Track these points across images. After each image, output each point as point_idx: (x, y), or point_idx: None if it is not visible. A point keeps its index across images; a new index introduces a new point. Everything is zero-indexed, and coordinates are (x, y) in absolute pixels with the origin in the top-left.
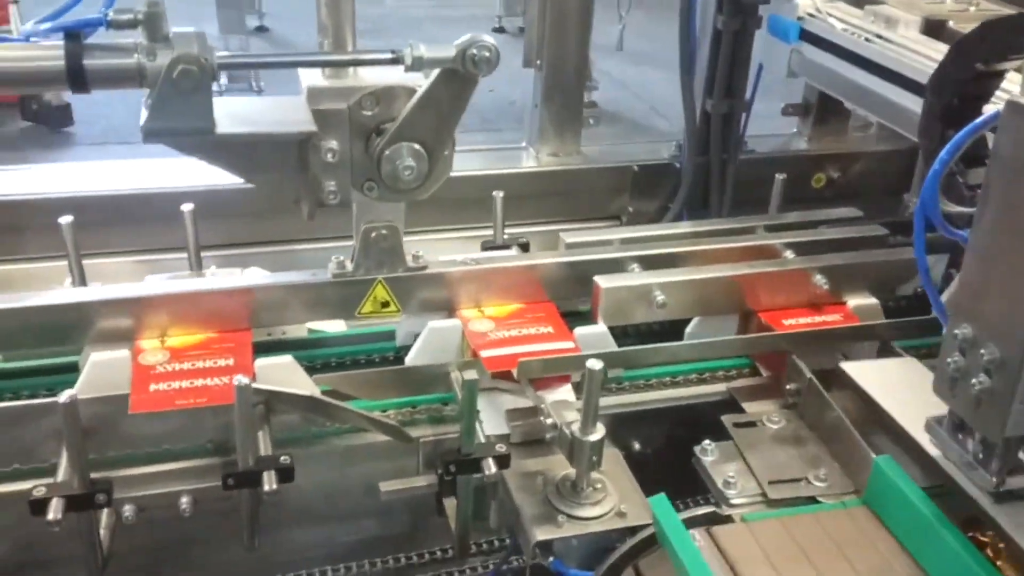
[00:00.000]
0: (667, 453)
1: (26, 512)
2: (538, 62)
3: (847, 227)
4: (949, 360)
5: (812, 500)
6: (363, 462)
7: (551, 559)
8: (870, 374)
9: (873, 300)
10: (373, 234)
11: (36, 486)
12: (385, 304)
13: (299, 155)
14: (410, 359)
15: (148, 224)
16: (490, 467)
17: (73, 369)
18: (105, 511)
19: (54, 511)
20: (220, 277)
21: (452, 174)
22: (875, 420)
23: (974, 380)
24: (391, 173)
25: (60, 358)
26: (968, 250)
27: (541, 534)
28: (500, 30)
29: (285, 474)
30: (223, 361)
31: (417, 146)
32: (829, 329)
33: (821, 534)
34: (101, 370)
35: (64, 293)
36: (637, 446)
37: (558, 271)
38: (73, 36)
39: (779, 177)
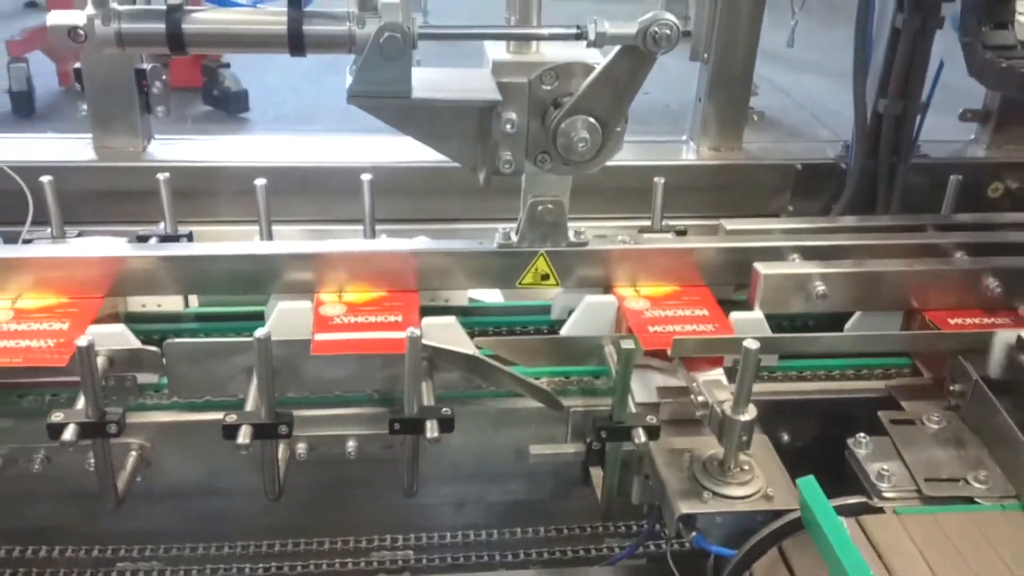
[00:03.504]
0: (817, 446)
1: (213, 440)
2: (705, 55)
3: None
4: None
5: (969, 501)
6: (514, 426)
7: (693, 534)
8: None
9: None
10: (540, 208)
11: (228, 414)
12: (545, 276)
13: (480, 124)
14: (565, 330)
15: (326, 195)
16: (640, 436)
17: (258, 317)
18: (281, 447)
19: (243, 436)
20: (392, 240)
21: (612, 163)
22: None
23: None
24: (566, 145)
25: (248, 307)
26: None
27: (686, 507)
28: (688, 33)
29: (446, 424)
30: (393, 318)
31: (592, 120)
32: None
33: (976, 533)
34: (286, 317)
35: (257, 245)
36: (786, 437)
37: (717, 256)
38: (295, 4)
39: (954, 178)
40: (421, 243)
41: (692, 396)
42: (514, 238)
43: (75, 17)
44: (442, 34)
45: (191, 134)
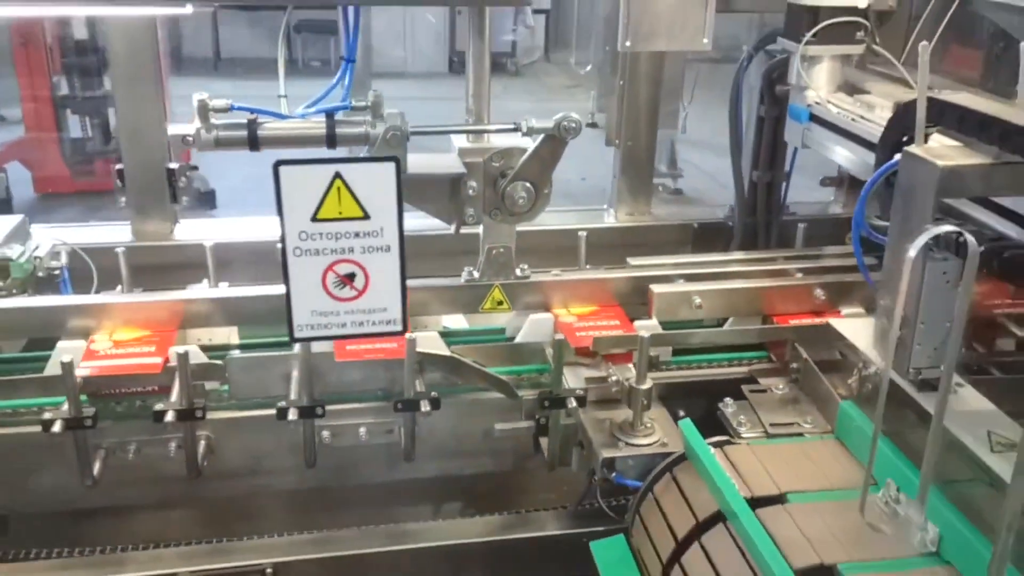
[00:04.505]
0: (703, 417)
1: (260, 430)
2: (616, 141)
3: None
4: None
5: (799, 436)
6: (481, 414)
7: (613, 475)
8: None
9: (860, 309)
10: (494, 251)
11: (278, 402)
12: (500, 303)
13: (452, 190)
14: (518, 340)
15: None
16: (572, 403)
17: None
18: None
19: (292, 415)
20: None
21: (547, 227)
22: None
23: (891, 333)
24: (511, 201)
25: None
26: (887, 248)
27: (607, 453)
28: (593, 125)
29: (435, 403)
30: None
31: (528, 184)
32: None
33: (801, 453)
34: None
35: (278, 287)
36: (681, 412)
37: (625, 283)
38: (330, 115)
39: (801, 226)
40: (412, 283)
41: (609, 379)
42: (476, 275)
43: (187, 128)
44: (425, 131)
45: None
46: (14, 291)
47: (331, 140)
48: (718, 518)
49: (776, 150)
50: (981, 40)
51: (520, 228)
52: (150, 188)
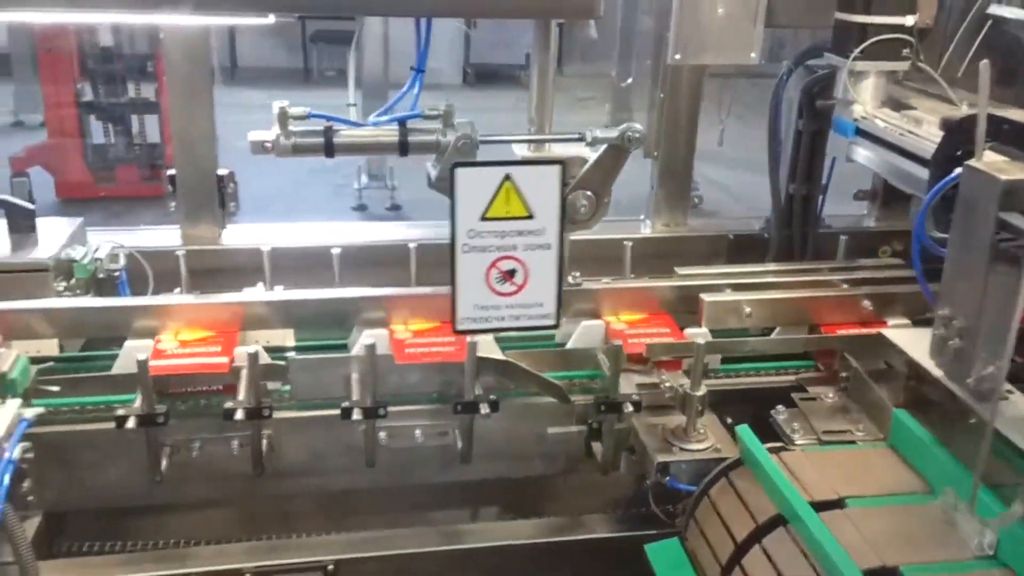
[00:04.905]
0: (751, 424)
1: (319, 429)
2: (655, 153)
3: (891, 270)
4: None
5: (851, 443)
6: (533, 418)
7: (667, 478)
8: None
9: (905, 320)
10: None
11: (336, 402)
12: None
13: None
14: (569, 346)
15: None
16: (628, 407)
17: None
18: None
19: (356, 415)
20: (439, 288)
21: (588, 236)
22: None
23: (951, 342)
24: (573, 209)
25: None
26: (947, 260)
27: (661, 457)
28: None
29: (494, 406)
30: (446, 339)
31: (589, 193)
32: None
33: (854, 459)
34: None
35: (336, 291)
36: (729, 419)
37: (673, 292)
38: (402, 123)
39: (843, 237)
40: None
41: (662, 386)
42: None
43: (266, 135)
44: (494, 140)
45: None
46: (78, 291)
47: (403, 147)
48: (778, 522)
49: (813, 163)
50: (1016, 57)
51: None
52: (200, 194)
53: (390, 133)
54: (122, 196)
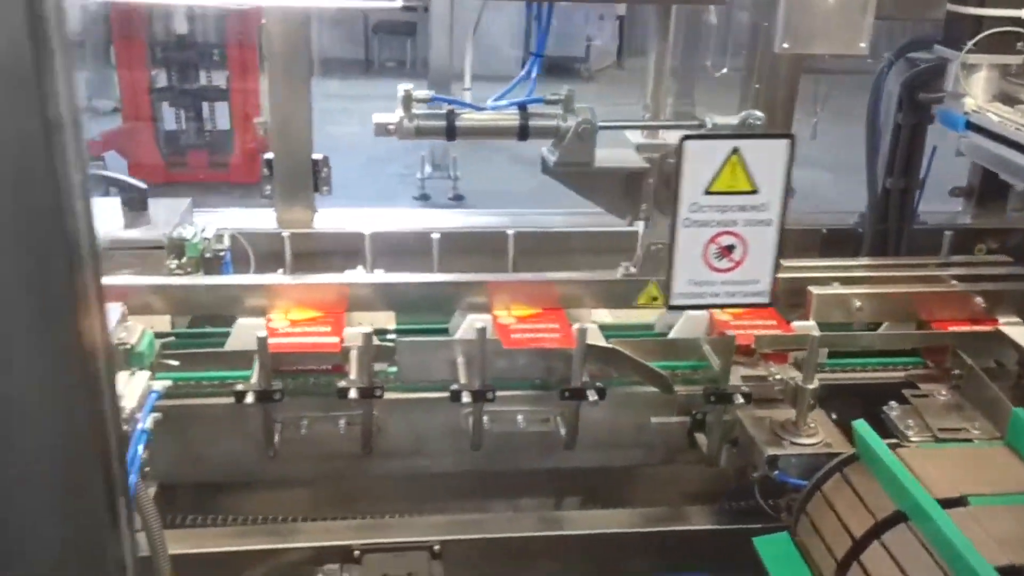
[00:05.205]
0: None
1: (427, 410)
2: None
3: (998, 267)
4: None
5: (968, 441)
6: (635, 407)
7: (775, 472)
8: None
9: (1016, 318)
10: (653, 248)
11: (452, 384)
12: (654, 299)
13: (627, 184)
14: (672, 335)
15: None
16: (739, 399)
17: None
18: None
19: (465, 397)
20: (543, 274)
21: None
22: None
23: None
24: None
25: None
26: None
27: (772, 450)
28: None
29: (601, 393)
30: (551, 325)
31: None
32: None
33: (972, 457)
34: (474, 325)
35: (441, 276)
36: (834, 415)
37: (780, 284)
38: (523, 107)
39: (948, 232)
40: (562, 275)
41: (770, 378)
42: (633, 270)
43: (391, 117)
44: (613, 126)
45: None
46: (188, 270)
47: (523, 132)
48: (898, 518)
49: (912, 158)
50: None
51: None
52: (296, 177)
53: (510, 117)
54: (192, 181)
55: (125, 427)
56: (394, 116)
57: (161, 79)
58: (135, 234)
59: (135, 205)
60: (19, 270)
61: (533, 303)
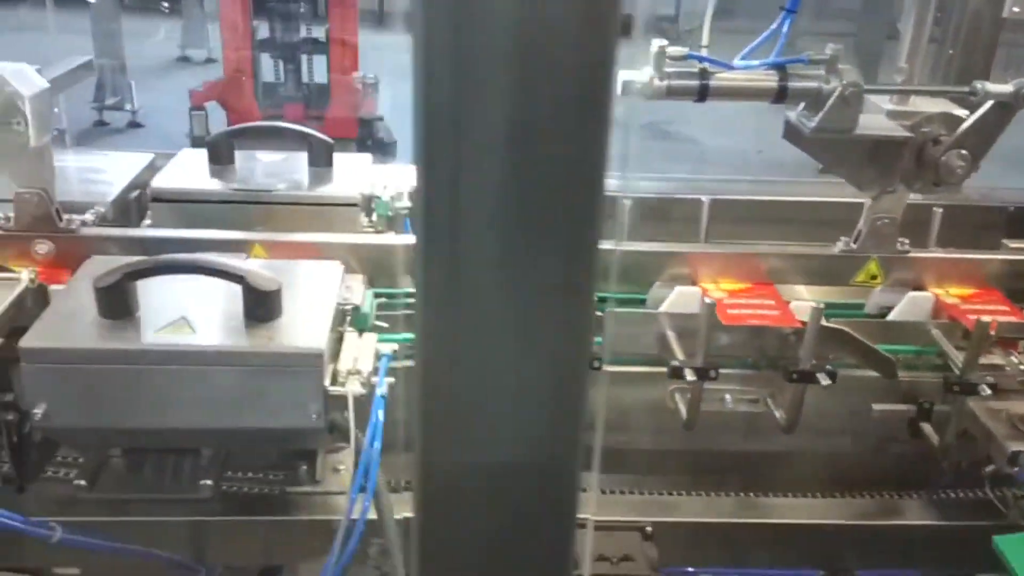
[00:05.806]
0: None
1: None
2: None
3: None
4: None
5: None
6: (854, 392)
7: (1015, 469)
8: None
9: None
10: (879, 222)
11: (672, 360)
12: (873, 277)
13: (874, 153)
14: (893, 317)
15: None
16: (985, 390)
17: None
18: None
19: (688, 376)
20: (747, 244)
21: (843, 199)
22: None
23: None
24: (947, 170)
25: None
26: None
27: (1015, 446)
28: None
29: (832, 376)
30: (766, 301)
31: (965, 152)
32: None
33: None
34: (682, 298)
35: (639, 244)
36: None
37: (1003, 266)
38: (781, 68)
39: None
40: (770, 247)
41: (1008, 368)
42: (854, 245)
43: (640, 75)
44: (879, 90)
45: None
46: (379, 228)
47: (782, 94)
48: None
49: None
50: None
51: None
52: None
53: (768, 78)
54: None
55: (363, 391)
56: (643, 74)
57: (262, 30)
58: (321, 190)
59: (320, 161)
60: None
61: (740, 277)
